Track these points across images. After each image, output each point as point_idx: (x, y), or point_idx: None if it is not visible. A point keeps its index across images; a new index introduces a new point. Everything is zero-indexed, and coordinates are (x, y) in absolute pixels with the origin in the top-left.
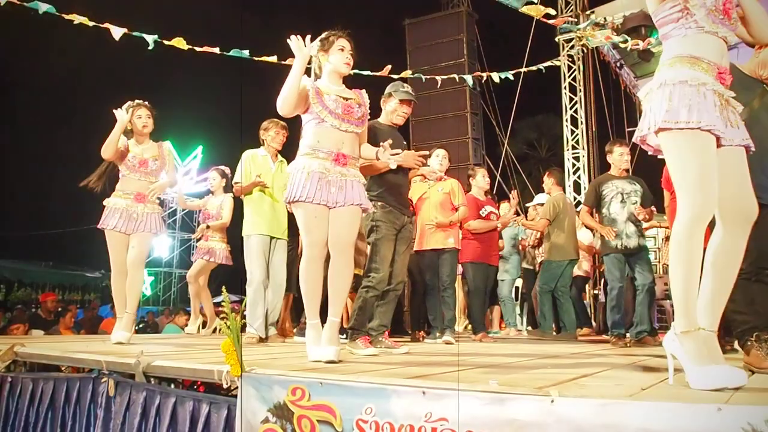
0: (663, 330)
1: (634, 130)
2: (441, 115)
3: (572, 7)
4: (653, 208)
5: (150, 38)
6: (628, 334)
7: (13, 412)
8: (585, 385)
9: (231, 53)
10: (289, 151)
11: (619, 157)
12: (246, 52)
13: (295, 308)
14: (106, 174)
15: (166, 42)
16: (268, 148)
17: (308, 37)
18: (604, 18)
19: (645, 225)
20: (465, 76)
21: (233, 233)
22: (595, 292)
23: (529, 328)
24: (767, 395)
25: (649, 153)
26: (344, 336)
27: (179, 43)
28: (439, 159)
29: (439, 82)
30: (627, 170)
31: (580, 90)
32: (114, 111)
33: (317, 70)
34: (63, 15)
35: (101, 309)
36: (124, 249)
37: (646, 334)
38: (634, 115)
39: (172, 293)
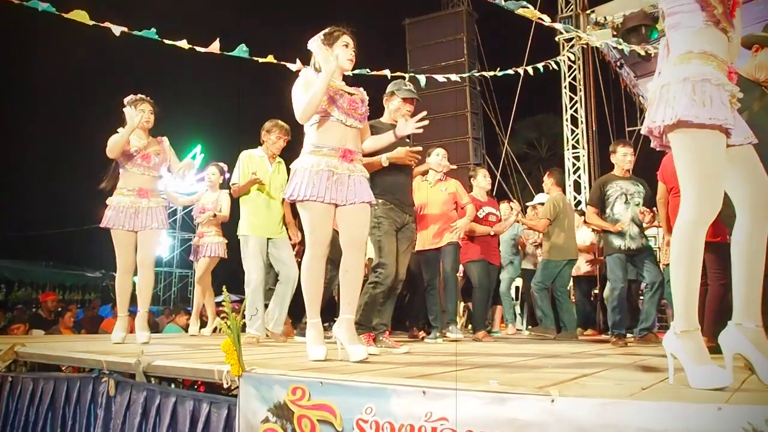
0: (662, 330)
1: (634, 130)
2: (441, 114)
3: (572, 6)
4: (655, 209)
5: (150, 33)
6: (630, 333)
7: (13, 412)
8: (585, 384)
9: (233, 53)
10: (289, 151)
11: (622, 157)
12: (244, 49)
13: (295, 308)
14: (116, 173)
15: (167, 42)
16: (267, 150)
17: (336, 52)
18: (604, 17)
19: (644, 225)
20: (470, 74)
21: (228, 231)
22: (595, 291)
23: (530, 327)
24: (767, 395)
25: (656, 147)
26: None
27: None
28: (439, 158)
29: (438, 77)
30: (629, 170)
31: (580, 89)
32: (125, 109)
33: (317, 65)
34: (62, 14)
35: (101, 309)
36: (131, 247)
37: (647, 332)
38: (634, 114)
39: (172, 293)
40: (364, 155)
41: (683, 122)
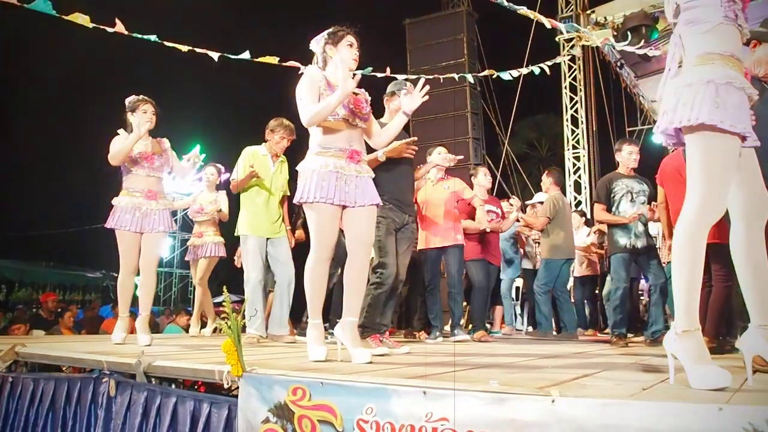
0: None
1: (634, 130)
2: (441, 114)
3: (572, 6)
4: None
5: (150, 38)
6: (631, 333)
7: (14, 412)
8: (586, 385)
9: (234, 56)
10: (292, 151)
11: (628, 155)
12: (246, 54)
13: (295, 308)
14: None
15: (167, 44)
16: (270, 149)
17: (359, 75)
18: (605, 17)
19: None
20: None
21: (225, 230)
22: (596, 292)
23: (530, 328)
24: None
25: (668, 146)
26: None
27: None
28: (442, 156)
29: (439, 78)
30: (634, 169)
31: (580, 89)
32: (131, 117)
33: (321, 64)
34: (63, 16)
35: (102, 309)
36: (137, 248)
37: (660, 334)
38: (634, 114)
39: (173, 293)
40: (382, 147)
41: (705, 126)
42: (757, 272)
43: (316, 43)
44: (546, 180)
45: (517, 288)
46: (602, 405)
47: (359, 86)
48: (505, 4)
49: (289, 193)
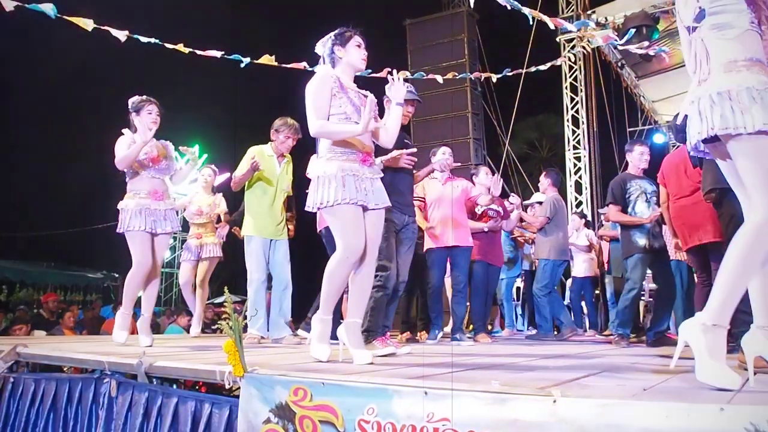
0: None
1: (635, 130)
2: (442, 115)
3: (573, 6)
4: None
5: (151, 40)
6: (633, 335)
7: (15, 413)
8: (587, 385)
9: (233, 57)
10: (294, 151)
11: (639, 156)
12: (247, 60)
13: (296, 308)
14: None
15: (167, 45)
16: (275, 150)
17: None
18: (605, 18)
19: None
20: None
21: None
22: (596, 292)
23: (530, 328)
24: None
25: (690, 152)
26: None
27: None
28: (445, 156)
29: (440, 79)
30: (644, 170)
31: (581, 90)
32: (135, 120)
33: (330, 65)
34: (66, 17)
35: (103, 310)
36: (150, 248)
37: (661, 335)
38: (635, 114)
39: (174, 294)
40: (387, 145)
41: (762, 132)
42: (766, 275)
43: (323, 45)
44: (544, 181)
45: (518, 288)
46: (604, 405)
47: (363, 87)
48: (508, 3)
49: (291, 193)
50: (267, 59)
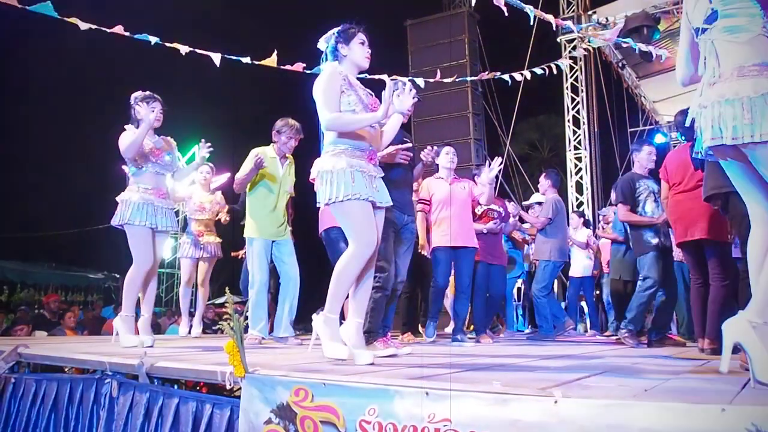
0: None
1: (636, 131)
2: (443, 115)
3: (574, 7)
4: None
5: (152, 39)
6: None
7: (16, 413)
8: (588, 385)
9: (234, 57)
10: (296, 151)
11: (647, 155)
12: (247, 59)
13: (300, 307)
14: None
15: (168, 44)
16: (278, 151)
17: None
18: (606, 18)
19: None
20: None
21: (221, 231)
22: (596, 292)
23: (530, 328)
24: None
25: (705, 157)
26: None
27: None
28: (449, 156)
29: (441, 80)
30: (650, 170)
31: (582, 90)
32: (136, 107)
33: (329, 57)
34: (64, 18)
35: (104, 310)
36: (152, 244)
37: (663, 335)
38: (636, 115)
39: (174, 294)
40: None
41: None
42: None
43: (326, 42)
44: (543, 182)
45: (519, 289)
46: (605, 406)
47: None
48: (510, 2)
49: (294, 194)
50: (270, 61)
